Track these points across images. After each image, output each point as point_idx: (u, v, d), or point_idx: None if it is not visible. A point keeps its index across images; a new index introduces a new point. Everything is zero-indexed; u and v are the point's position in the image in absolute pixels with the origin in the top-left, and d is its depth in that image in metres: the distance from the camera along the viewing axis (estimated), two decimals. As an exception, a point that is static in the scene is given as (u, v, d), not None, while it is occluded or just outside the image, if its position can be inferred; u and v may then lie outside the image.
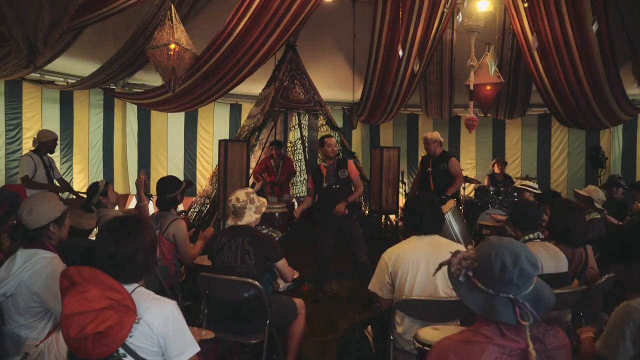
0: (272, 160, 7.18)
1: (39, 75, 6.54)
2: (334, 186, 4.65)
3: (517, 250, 1.40)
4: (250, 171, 6.69)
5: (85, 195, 3.99)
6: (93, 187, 3.77)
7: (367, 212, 6.89)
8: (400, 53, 5.74)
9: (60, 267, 2.18)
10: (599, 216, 4.06)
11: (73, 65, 6.57)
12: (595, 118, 7.15)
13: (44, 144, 5.19)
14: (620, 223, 4.52)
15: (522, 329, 1.37)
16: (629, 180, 6.91)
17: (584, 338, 2.01)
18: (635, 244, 1.84)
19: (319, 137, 7.90)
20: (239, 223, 2.96)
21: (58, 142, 5.47)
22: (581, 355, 1.94)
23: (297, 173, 8.09)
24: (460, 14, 4.58)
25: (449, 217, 4.31)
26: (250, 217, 2.98)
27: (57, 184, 5.31)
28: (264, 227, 3.94)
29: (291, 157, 8.21)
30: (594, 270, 3.03)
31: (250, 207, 2.98)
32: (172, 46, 4.18)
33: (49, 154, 5.26)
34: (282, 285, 3.31)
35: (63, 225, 2.41)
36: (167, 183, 3.56)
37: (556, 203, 3.20)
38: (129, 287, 1.64)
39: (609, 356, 1.74)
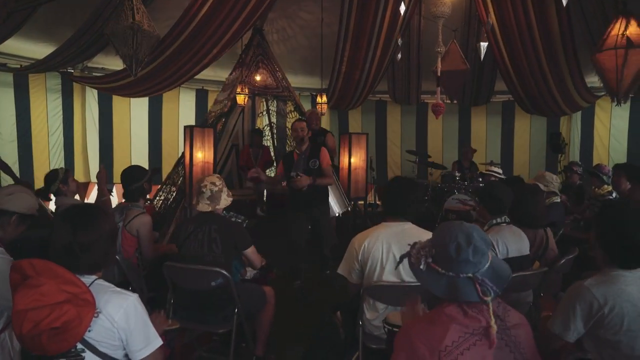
0: (251, 149, 7.26)
1: (-11, 57, 6.18)
2: (300, 176, 4.41)
3: (469, 229, 1.47)
4: (218, 157, 6.60)
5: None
6: (52, 175, 3.62)
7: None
8: (400, 42, 5.76)
9: (6, 262, 2.03)
10: (559, 200, 4.20)
11: (27, 47, 6.22)
12: (556, 104, 7.37)
13: None
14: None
15: (484, 307, 1.42)
16: (587, 165, 7.19)
17: (543, 316, 2.09)
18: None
19: (288, 124, 7.88)
20: (217, 207, 2.92)
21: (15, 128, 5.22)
22: (540, 332, 2.01)
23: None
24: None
25: None
26: (225, 202, 2.97)
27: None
28: (231, 213, 3.88)
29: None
30: (553, 252, 3.14)
31: (225, 191, 2.98)
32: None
33: None
34: (249, 273, 3.28)
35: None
36: (132, 172, 3.42)
37: (518, 188, 3.26)
38: (87, 280, 1.57)
39: (561, 333, 1.80)
